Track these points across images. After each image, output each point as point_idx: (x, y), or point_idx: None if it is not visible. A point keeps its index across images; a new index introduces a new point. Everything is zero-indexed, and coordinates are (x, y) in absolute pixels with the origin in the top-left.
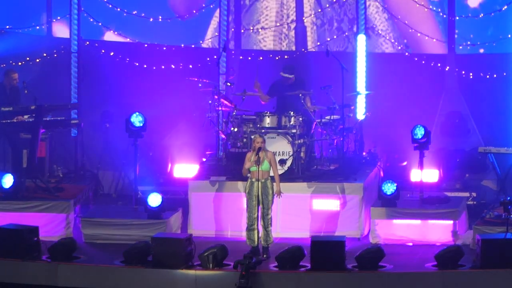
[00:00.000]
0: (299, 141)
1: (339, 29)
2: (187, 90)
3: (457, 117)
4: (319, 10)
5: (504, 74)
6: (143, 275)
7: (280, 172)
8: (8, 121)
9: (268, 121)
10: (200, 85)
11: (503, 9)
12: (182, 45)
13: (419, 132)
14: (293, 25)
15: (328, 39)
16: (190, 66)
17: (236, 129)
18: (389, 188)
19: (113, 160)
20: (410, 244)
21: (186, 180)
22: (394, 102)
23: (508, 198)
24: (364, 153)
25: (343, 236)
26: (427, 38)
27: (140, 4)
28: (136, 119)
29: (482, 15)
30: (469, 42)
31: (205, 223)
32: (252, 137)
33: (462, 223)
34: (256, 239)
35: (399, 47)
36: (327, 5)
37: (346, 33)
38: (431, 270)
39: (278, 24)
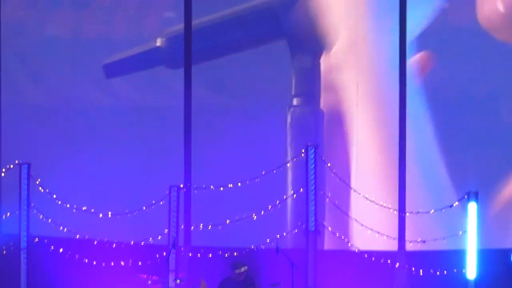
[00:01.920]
0: None
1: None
2: (136, 287)
3: None
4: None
5: (455, 270)
6: None
7: None
8: None
9: None
10: (149, 282)
11: (454, 205)
12: (132, 241)
13: None
14: None
15: (278, 236)
16: (140, 263)
17: None
18: None
19: None
20: None
21: None
22: None
23: None
24: None
25: None
26: (377, 235)
27: (89, 200)
28: None
29: (432, 211)
30: (419, 239)
31: None
32: None
33: None
34: None
35: (349, 244)
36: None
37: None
38: None
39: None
